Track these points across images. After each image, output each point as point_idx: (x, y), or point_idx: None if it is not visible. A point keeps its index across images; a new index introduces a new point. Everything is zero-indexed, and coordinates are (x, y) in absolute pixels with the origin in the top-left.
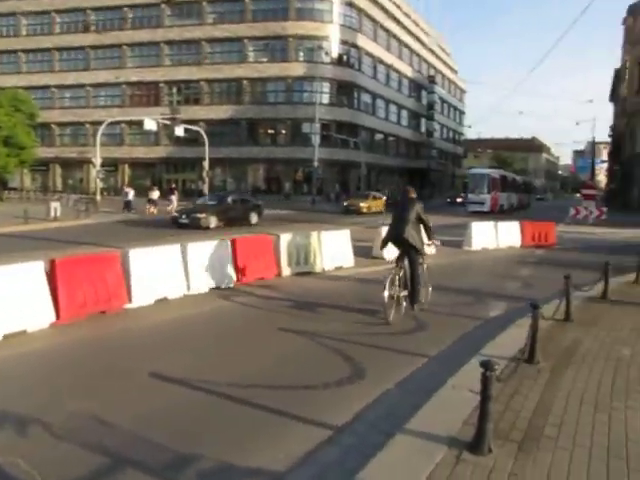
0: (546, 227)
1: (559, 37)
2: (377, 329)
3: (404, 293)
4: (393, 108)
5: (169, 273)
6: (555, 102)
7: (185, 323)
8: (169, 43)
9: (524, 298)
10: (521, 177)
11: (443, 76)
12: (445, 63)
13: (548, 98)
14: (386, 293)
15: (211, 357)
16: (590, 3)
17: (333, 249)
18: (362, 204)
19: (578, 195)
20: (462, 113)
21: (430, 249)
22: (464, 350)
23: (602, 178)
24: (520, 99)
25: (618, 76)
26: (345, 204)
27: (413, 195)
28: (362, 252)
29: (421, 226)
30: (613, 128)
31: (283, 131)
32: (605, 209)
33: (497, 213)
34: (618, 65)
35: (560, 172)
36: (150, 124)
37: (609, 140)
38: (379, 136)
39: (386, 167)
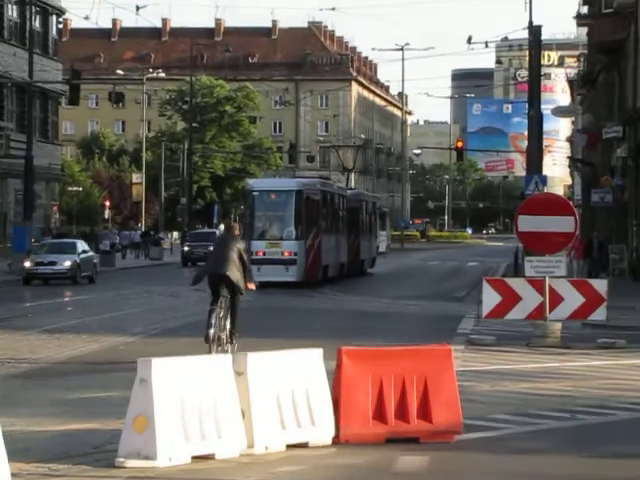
0: (424, 368)
1: None
2: None
3: (223, 335)
4: None
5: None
6: None
7: None
8: None
9: None
10: (356, 190)
11: None
12: None
13: None
14: (212, 332)
15: None
16: None
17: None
18: None
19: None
20: None
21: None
22: None
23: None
24: None
25: None
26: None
27: (237, 232)
28: None
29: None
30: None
31: None
32: None
33: (315, 285)
34: None
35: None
36: None
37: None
38: None
39: None
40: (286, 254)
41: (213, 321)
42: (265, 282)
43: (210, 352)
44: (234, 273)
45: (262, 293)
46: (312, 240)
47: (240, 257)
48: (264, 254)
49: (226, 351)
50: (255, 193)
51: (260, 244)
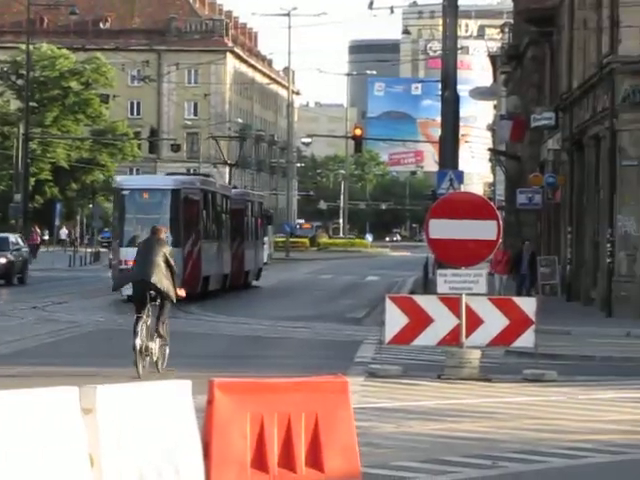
0: (315, 405)
1: None
2: None
3: (152, 345)
4: None
5: None
6: None
7: None
8: None
9: None
10: (240, 190)
11: None
12: None
13: None
14: (138, 341)
15: None
16: None
17: None
18: None
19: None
20: None
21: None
22: None
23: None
24: None
25: None
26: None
27: (162, 235)
28: None
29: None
30: None
31: None
32: None
33: (197, 297)
34: None
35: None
36: None
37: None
38: None
39: None
40: None
41: (139, 330)
42: (129, 295)
43: (136, 363)
44: (161, 280)
45: (117, 311)
46: (191, 247)
47: (167, 262)
48: (131, 259)
49: (155, 362)
50: (124, 192)
51: (131, 252)
